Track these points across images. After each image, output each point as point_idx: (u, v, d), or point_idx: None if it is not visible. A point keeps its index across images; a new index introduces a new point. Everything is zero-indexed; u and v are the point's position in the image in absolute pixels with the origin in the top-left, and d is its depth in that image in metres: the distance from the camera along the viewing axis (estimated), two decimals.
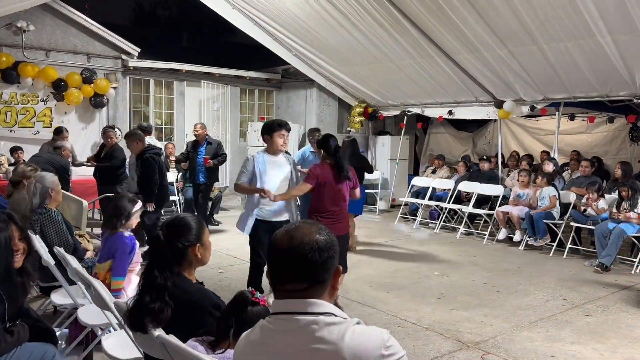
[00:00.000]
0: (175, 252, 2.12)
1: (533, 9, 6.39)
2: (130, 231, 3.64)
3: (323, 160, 4.71)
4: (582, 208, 7.26)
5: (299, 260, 1.38)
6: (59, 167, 6.62)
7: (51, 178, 4.23)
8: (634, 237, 6.55)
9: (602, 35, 6.38)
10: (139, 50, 10.09)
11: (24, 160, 8.26)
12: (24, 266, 2.56)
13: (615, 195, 7.16)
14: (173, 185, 8.90)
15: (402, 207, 10.09)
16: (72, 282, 3.53)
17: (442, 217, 8.98)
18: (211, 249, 2.32)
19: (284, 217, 4.76)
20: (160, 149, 6.91)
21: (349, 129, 11.73)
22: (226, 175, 11.45)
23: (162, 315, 1.96)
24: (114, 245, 3.48)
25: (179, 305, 2.01)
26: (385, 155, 11.58)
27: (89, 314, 3.20)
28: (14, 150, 8.40)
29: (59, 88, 9.16)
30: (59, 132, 8.10)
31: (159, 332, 1.94)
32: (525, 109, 8.89)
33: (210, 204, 9.08)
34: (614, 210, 6.77)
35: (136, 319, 1.98)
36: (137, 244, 3.67)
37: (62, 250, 3.33)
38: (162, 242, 2.10)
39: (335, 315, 1.36)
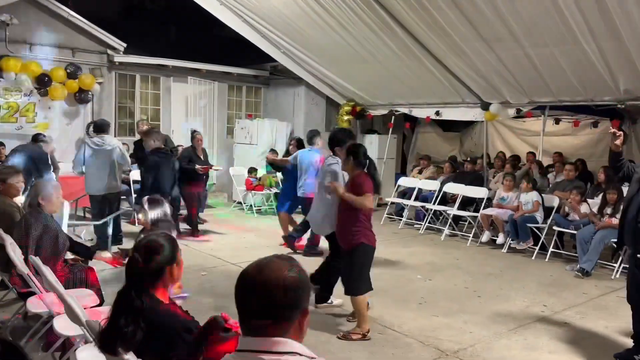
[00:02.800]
0: (152, 273, 2.11)
1: (519, 14, 6.40)
2: None
3: (360, 170, 4.38)
4: (566, 212, 7.32)
5: (264, 297, 1.37)
6: (35, 157, 6.55)
7: (47, 186, 4.11)
8: (614, 242, 6.61)
9: (587, 42, 6.42)
10: (125, 45, 9.97)
11: (5, 156, 8.16)
12: None
13: (598, 200, 7.23)
14: None
15: (388, 206, 10.11)
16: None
17: (427, 218, 9.02)
18: (183, 267, 2.32)
19: None
20: (170, 150, 6.89)
21: (336, 127, 11.71)
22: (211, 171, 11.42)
23: (134, 338, 1.95)
24: None
25: (151, 328, 2.00)
26: (373, 154, 11.57)
27: (64, 324, 3.16)
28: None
29: (43, 83, 9.03)
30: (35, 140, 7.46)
31: (129, 356, 1.92)
32: (512, 112, 8.93)
33: None
34: (595, 212, 6.83)
35: (107, 341, 1.97)
36: None
37: (37, 260, 3.28)
38: (139, 263, 2.09)
39: (301, 355, 1.35)
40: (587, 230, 6.72)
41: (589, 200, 7.25)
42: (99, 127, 6.89)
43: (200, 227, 8.43)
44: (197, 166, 7.48)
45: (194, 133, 8.11)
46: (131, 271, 2.09)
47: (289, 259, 1.45)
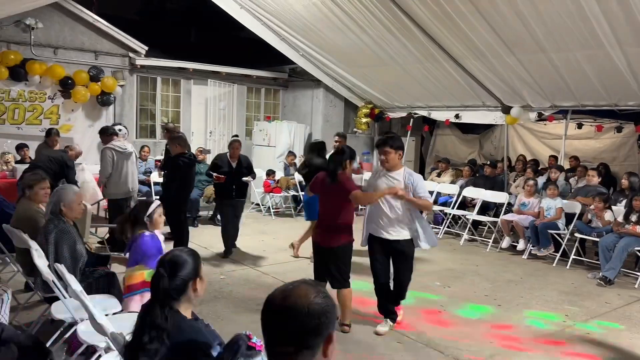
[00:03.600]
0: (176, 289, 2.14)
1: (541, 18, 6.32)
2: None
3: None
4: (588, 218, 7.21)
5: (288, 323, 1.37)
6: (62, 163, 6.64)
7: (68, 193, 4.15)
8: (639, 250, 6.51)
9: (612, 47, 6.32)
10: (146, 48, 10.09)
11: (30, 158, 8.31)
12: None
13: (621, 206, 7.11)
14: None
15: None
16: None
17: (445, 222, 8.95)
18: (206, 281, 2.34)
19: (396, 234, 4.50)
20: (194, 156, 6.92)
21: (355, 129, 11.71)
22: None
23: (158, 354, 1.97)
24: (139, 249, 3.55)
25: (174, 344, 2.02)
26: None
27: (88, 331, 3.21)
28: (20, 148, 8.45)
29: (66, 86, 9.19)
30: (49, 134, 7.69)
31: None
32: (533, 116, 8.84)
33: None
34: (620, 219, 6.71)
35: (131, 356, 2.00)
36: (162, 238, 3.79)
37: (62, 267, 3.34)
38: (164, 279, 2.11)
39: None
40: (610, 237, 6.61)
41: (614, 208, 7.11)
42: (112, 132, 6.91)
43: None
44: (214, 174, 6.86)
45: (232, 138, 7.67)
46: (156, 286, 2.12)
47: (316, 285, 1.45)
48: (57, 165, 6.69)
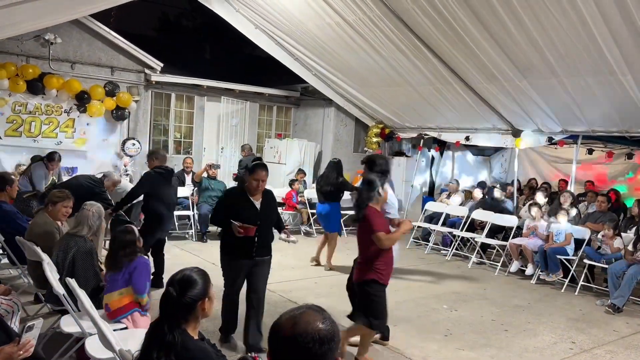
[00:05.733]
0: (185, 308, 2.18)
1: (553, 43, 6.38)
2: None
3: None
4: (597, 245, 7.17)
5: (299, 350, 1.41)
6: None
7: (101, 207, 4.30)
8: None
9: (623, 74, 6.35)
10: (161, 65, 10.25)
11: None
12: None
13: (631, 234, 7.06)
14: (188, 199, 9.04)
15: (414, 230, 10.03)
16: None
17: (454, 244, 8.93)
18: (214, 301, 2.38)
19: None
20: (172, 169, 6.32)
21: (365, 148, 11.77)
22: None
23: None
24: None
25: None
26: (400, 177, 11.57)
27: (96, 346, 3.25)
28: (35, 161, 8.57)
29: (82, 100, 9.35)
30: (51, 159, 7.57)
31: None
32: (543, 140, 8.85)
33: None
34: (630, 248, 6.67)
35: None
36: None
37: (72, 281, 3.40)
38: (174, 298, 2.15)
39: None
40: (619, 264, 6.57)
41: (623, 235, 7.07)
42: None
43: None
44: (236, 223, 4.21)
45: (254, 162, 4.76)
46: (165, 305, 2.16)
47: (321, 310, 1.49)
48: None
